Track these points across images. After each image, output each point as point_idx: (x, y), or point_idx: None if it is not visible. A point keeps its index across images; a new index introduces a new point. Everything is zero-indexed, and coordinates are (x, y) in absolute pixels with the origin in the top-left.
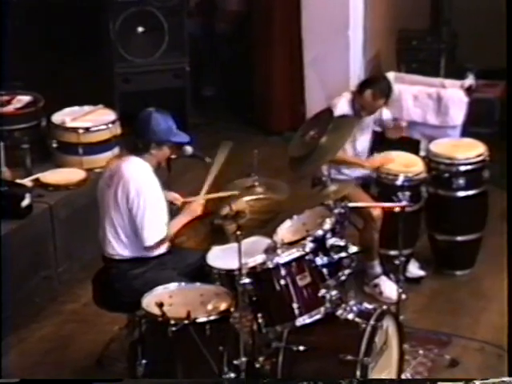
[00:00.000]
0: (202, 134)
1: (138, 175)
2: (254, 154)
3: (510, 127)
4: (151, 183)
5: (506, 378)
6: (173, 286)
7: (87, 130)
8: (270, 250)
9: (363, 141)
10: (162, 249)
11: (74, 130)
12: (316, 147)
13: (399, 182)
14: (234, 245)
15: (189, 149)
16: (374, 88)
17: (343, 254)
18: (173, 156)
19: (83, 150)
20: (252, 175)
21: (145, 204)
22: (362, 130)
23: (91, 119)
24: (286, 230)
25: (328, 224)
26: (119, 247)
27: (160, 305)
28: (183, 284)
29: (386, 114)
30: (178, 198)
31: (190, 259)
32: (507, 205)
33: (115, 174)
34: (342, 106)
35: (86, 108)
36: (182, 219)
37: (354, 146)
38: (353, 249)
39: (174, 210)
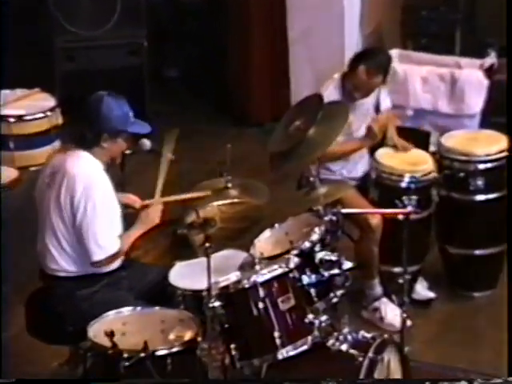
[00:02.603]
0: (164, 124)
1: (86, 173)
2: (227, 150)
3: (509, 126)
4: (102, 183)
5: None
6: (127, 310)
7: (20, 118)
8: (246, 266)
9: (362, 132)
10: (115, 264)
11: (4, 118)
12: (302, 141)
13: (404, 183)
14: (203, 260)
15: (147, 142)
16: (368, 63)
17: (335, 271)
18: (127, 151)
19: (15, 144)
20: (224, 175)
21: (94, 209)
22: (360, 119)
23: (25, 105)
24: (265, 242)
25: (317, 234)
26: (63, 261)
27: (110, 334)
28: (140, 308)
29: (384, 98)
30: (136, 201)
31: (148, 277)
32: (507, 206)
33: (58, 172)
34: (332, 91)
35: (19, 92)
36: (137, 229)
37: (350, 139)
38: (347, 264)
39: (130, 216)
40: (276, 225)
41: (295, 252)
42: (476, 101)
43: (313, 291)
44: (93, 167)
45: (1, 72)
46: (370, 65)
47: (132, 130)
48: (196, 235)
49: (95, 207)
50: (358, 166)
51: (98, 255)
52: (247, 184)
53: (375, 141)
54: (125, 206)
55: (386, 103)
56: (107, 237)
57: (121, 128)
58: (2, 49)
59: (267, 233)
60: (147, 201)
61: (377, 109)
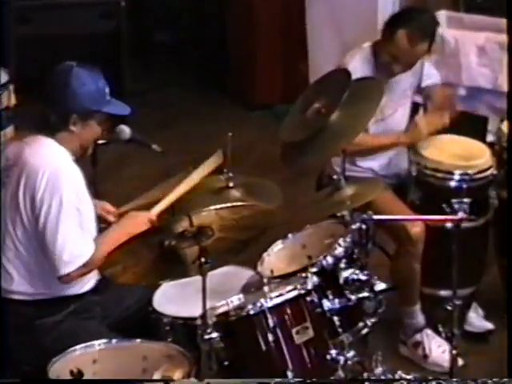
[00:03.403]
0: (147, 105)
1: (51, 164)
2: (228, 139)
3: (509, 130)
4: (71, 176)
5: (507, 379)
6: (99, 343)
7: None
8: (252, 288)
9: (398, 118)
10: (87, 284)
11: None
12: (323, 128)
13: (454, 182)
14: (196, 279)
15: (126, 130)
16: (409, 26)
17: (365, 294)
18: (101, 141)
19: None
20: (224, 172)
21: (60, 208)
22: (395, 101)
23: None
24: (276, 257)
25: (341, 247)
26: (21, 279)
27: (78, 374)
28: (115, 341)
29: (429, 73)
30: (110, 211)
31: (126, 302)
32: (507, 209)
33: (14, 164)
34: (360, 65)
35: None
36: (115, 235)
37: (382, 127)
38: (380, 286)
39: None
40: (290, 235)
41: (314, 269)
42: None
43: (336, 319)
44: (59, 157)
45: None
46: (411, 29)
47: (108, 111)
48: (188, 248)
49: (62, 206)
50: (394, 160)
51: (67, 266)
52: (253, 183)
53: (418, 141)
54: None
55: (432, 79)
56: (78, 242)
57: (94, 107)
58: None
59: (279, 245)
60: (126, 206)
61: (418, 89)
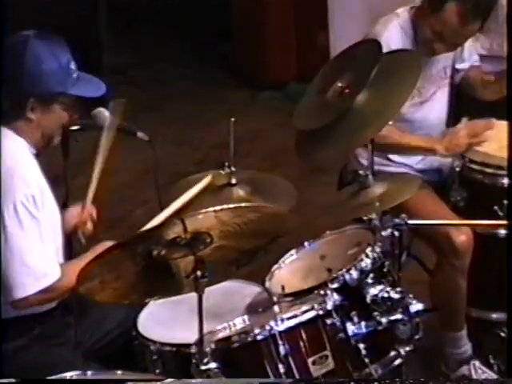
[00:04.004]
0: (133, 83)
1: (5, 159)
2: (231, 125)
3: (510, 130)
4: (31, 175)
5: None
6: (72, 375)
7: None
8: (260, 308)
9: (436, 103)
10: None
11: None
12: (347, 112)
13: (506, 179)
14: (191, 297)
15: (105, 113)
16: (461, 0)
17: (398, 317)
18: (73, 127)
19: None
20: (226, 165)
21: (16, 214)
22: (432, 82)
23: None
24: (289, 270)
25: (369, 258)
26: None
27: None
28: (91, 373)
29: (470, 54)
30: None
31: (106, 325)
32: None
33: None
34: (396, 36)
35: None
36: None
37: (420, 113)
38: (416, 306)
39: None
40: (306, 243)
41: (335, 285)
42: None
43: (362, 347)
44: (13, 152)
45: None
46: (464, 3)
47: (75, 93)
48: (181, 258)
49: (18, 214)
50: None
51: (23, 288)
52: (261, 179)
53: (455, 153)
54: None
55: (471, 59)
56: (39, 258)
57: (57, 89)
58: None
59: (292, 255)
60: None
61: (453, 70)
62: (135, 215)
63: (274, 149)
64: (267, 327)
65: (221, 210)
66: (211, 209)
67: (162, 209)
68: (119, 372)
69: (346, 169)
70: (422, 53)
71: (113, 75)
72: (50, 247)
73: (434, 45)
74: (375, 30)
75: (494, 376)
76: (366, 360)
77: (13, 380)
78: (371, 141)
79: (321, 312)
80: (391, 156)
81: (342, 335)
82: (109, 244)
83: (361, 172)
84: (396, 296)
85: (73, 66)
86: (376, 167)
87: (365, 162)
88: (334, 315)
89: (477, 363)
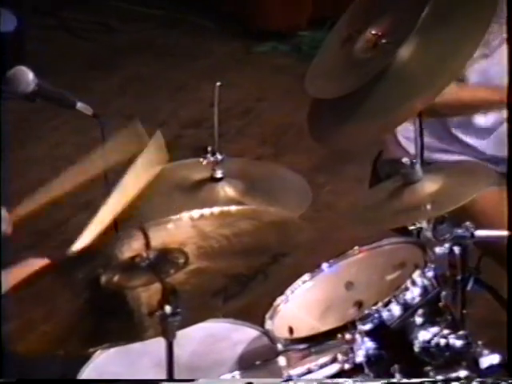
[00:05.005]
0: (67, 29)
1: None
2: (215, 92)
3: (510, 130)
4: None
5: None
6: None
7: None
8: (257, 360)
9: (502, 58)
10: None
11: None
12: (383, 72)
13: None
14: (156, 344)
15: (28, 75)
16: None
17: (461, 374)
18: None
19: None
20: (208, 151)
21: None
22: (501, 21)
23: None
24: (299, 303)
25: (417, 287)
26: None
27: None
28: None
29: None
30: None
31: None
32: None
33: None
34: None
35: None
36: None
37: (476, 72)
38: (489, 359)
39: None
40: (324, 265)
41: (367, 327)
42: None
43: None
44: None
45: None
46: None
47: None
48: (142, 287)
49: None
50: None
51: None
52: (258, 172)
53: None
54: None
55: None
56: None
57: None
58: None
59: (305, 282)
60: (24, 206)
61: None
62: (74, 223)
63: (278, 127)
64: None
65: (200, 216)
66: (186, 214)
67: None
68: None
69: (381, 156)
70: None
71: (38, 15)
72: None
73: None
74: None
75: None
76: None
77: (10, 380)
78: (419, 115)
79: (347, 366)
80: (455, 130)
81: None
82: (37, 264)
83: (404, 160)
84: (458, 343)
85: None
86: (426, 153)
87: (409, 146)
88: (367, 371)
89: None
